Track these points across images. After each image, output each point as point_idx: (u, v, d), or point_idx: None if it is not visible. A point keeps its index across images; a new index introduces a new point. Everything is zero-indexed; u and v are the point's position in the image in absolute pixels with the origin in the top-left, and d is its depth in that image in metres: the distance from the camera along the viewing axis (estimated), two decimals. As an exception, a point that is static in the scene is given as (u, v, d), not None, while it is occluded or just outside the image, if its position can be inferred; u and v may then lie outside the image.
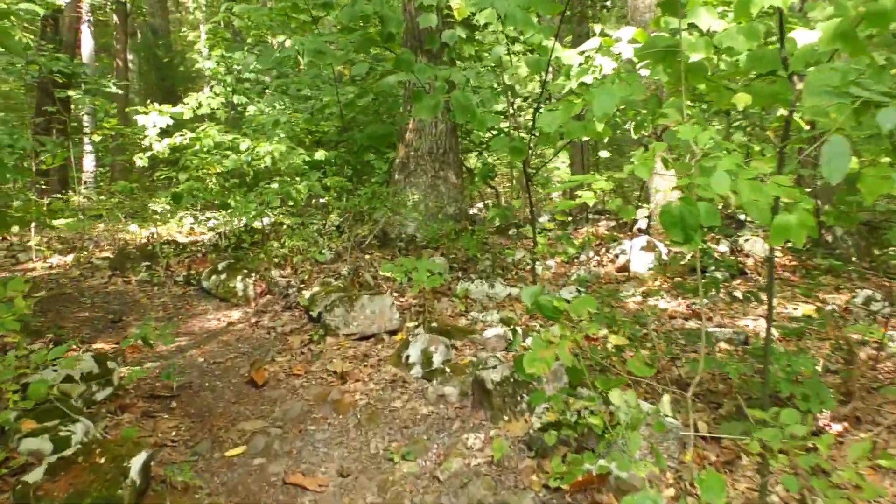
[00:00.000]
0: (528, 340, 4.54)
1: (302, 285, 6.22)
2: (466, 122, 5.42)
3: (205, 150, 8.08)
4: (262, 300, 6.11)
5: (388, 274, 5.68)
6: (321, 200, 9.93)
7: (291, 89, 11.73)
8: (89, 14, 25.01)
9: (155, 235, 8.54)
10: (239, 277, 6.20)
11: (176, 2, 36.93)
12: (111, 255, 7.68)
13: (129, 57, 27.24)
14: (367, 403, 4.12)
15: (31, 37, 18.28)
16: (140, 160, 9.52)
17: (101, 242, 8.94)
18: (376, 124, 6.59)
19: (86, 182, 23.54)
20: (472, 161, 12.59)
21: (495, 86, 8.94)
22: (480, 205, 13.43)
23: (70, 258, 7.95)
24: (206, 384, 4.50)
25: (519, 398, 3.79)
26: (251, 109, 13.25)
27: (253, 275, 6.29)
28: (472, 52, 10.07)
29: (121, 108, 17.91)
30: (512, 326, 4.94)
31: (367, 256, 7.62)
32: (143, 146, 9.58)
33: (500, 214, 8.98)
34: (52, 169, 12.85)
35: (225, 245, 7.75)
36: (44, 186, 12.92)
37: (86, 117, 25.33)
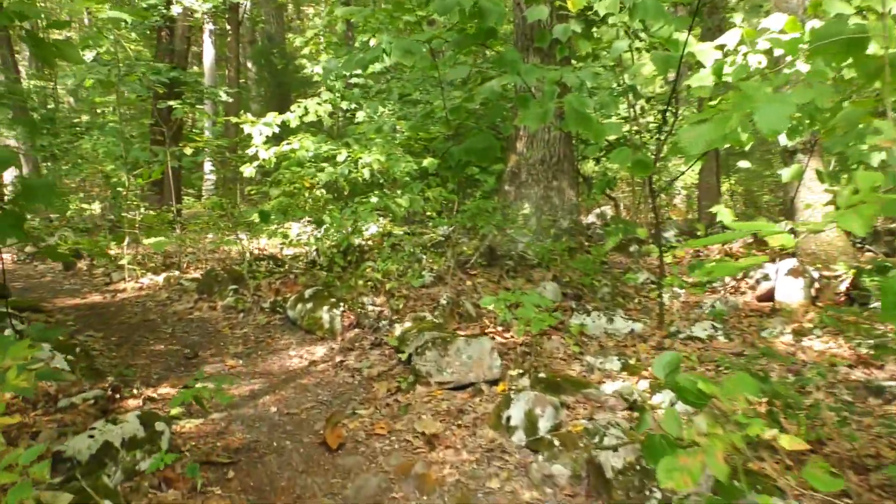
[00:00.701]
0: (659, 414, 3.67)
1: (395, 317, 5.53)
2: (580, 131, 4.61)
3: (299, 162, 7.56)
4: (349, 334, 5.45)
5: (491, 307, 4.91)
6: (425, 214, 9.29)
7: (397, 93, 11.14)
8: (211, 23, 25.50)
9: (247, 254, 8.09)
10: (326, 308, 5.58)
11: (297, 9, 37.50)
12: (201, 276, 7.26)
13: (249, 65, 27.67)
14: (458, 481, 3.36)
15: (133, 46, 18.62)
16: (248, 170, 9.17)
17: (201, 258, 8.60)
18: (478, 135, 5.87)
19: (205, 193, 24.00)
20: (590, 167, 11.66)
21: (615, 87, 8.03)
22: (597, 212, 12.47)
23: (162, 278, 7.60)
24: (274, 443, 3.85)
25: (648, 492, 2.94)
26: (360, 115, 12.79)
27: (341, 304, 5.65)
28: (588, 51, 9.19)
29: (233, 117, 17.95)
30: (639, 403, 4.05)
31: (469, 282, 6.88)
32: (249, 156, 9.23)
33: (620, 230, 8.06)
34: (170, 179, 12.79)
35: (319, 265, 7.20)
36: (146, 198, 12.92)
37: (207, 124, 25.82)
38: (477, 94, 9.56)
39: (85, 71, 12.63)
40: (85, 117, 22.71)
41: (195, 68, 32.46)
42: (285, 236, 7.10)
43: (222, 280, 6.82)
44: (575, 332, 5.28)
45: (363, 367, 4.83)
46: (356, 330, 5.46)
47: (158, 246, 7.07)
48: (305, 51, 14.11)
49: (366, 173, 7.99)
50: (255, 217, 6.92)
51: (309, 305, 5.65)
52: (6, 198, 9.97)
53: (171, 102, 11.21)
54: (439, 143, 10.17)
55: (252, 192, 8.61)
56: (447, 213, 8.33)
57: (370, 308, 5.72)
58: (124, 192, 9.86)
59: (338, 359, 5.05)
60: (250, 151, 9.24)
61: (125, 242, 8.00)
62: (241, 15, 21.85)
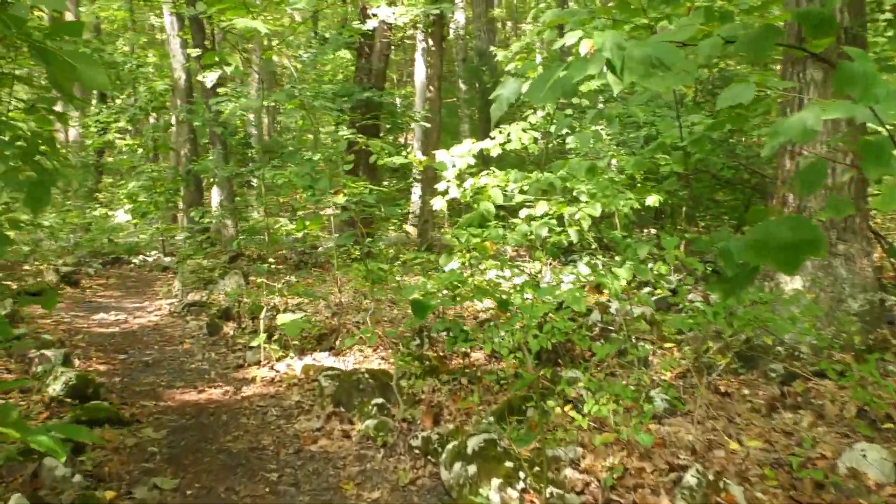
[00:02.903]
0: None
1: (611, 498, 3.31)
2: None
3: (481, 219, 5.55)
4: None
5: None
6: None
7: (616, 115, 8.94)
8: (423, 41, 24.40)
9: (399, 345, 6.15)
10: (496, 482, 3.44)
11: (515, 25, 36.10)
12: (345, 374, 5.40)
13: (461, 83, 26.37)
14: None
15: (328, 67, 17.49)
16: (438, 203, 7.39)
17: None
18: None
19: (409, 223, 22.84)
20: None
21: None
22: None
23: (301, 366, 5.86)
24: None
25: None
26: (571, 141, 10.68)
27: (521, 476, 3.49)
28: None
29: (431, 140, 16.42)
30: None
31: (718, 395, 4.52)
32: (440, 189, 7.46)
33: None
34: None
35: (499, 376, 5.12)
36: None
37: (416, 144, 24.69)
38: (729, 119, 7.16)
39: (287, 91, 11.54)
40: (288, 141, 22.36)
41: (408, 88, 31.90)
42: (462, 333, 5.04)
43: (366, 387, 4.92)
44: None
45: None
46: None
47: (292, 329, 5.32)
48: (510, 66, 12.13)
49: (572, 235, 5.82)
50: (408, 293, 4.95)
51: (471, 470, 3.55)
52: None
53: (352, 140, 9.59)
54: (668, 171, 7.83)
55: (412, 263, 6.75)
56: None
57: (572, 475, 3.53)
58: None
59: None
60: (440, 186, 7.47)
61: (262, 314, 6.38)
62: (450, 30, 20.47)
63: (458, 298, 4.88)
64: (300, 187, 11.41)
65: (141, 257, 15.60)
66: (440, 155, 7.90)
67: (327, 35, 18.47)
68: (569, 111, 13.17)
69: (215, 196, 15.88)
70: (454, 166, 7.68)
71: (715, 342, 5.72)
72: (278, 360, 6.08)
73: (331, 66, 26.22)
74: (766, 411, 4.68)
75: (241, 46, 20.17)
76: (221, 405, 5.19)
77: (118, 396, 5.26)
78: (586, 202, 6.11)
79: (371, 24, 13.17)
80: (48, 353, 5.48)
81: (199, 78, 9.79)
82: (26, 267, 11.57)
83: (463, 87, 26.30)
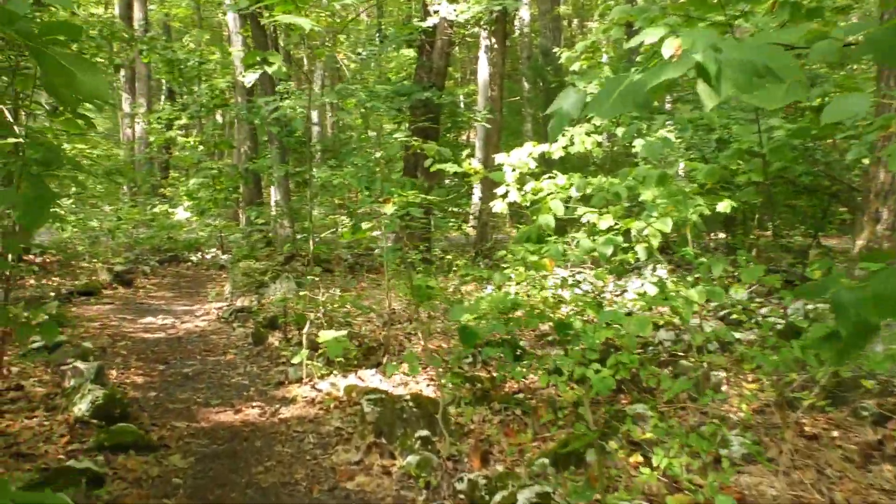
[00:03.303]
0: None
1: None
2: None
3: (538, 235, 5.09)
4: None
5: None
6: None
7: (687, 119, 8.36)
8: (486, 38, 23.93)
9: (441, 371, 5.72)
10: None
11: (580, 23, 35.37)
12: (389, 399, 5.01)
13: (524, 82, 25.87)
14: None
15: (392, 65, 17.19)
16: (498, 206, 6.99)
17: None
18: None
19: (470, 222, 22.41)
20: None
21: None
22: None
23: (344, 386, 5.49)
24: None
25: None
26: (639, 143, 10.13)
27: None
28: None
29: (493, 140, 15.97)
30: None
31: (804, 439, 3.99)
32: (500, 193, 7.04)
33: None
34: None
35: (556, 415, 4.65)
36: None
37: (478, 144, 24.29)
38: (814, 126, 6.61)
39: (339, 91, 11.26)
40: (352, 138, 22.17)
41: (471, 86, 31.46)
42: (515, 362, 4.58)
43: (410, 416, 4.51)
44: None
45: None
46: None
47: (334, 349, 4.95)
48: (575, 66, 11.57)
49: (640, 252, 5.31)
50: (456, 315, 4.51)
51: (521, 530, 3.11)
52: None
53: (403, 141, 9.30)
54: (745, 180, 7.22)
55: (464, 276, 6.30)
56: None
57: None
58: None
59: None
60: (499, 190, 7.05)
61: (305, 329, 6.03)
62: (514, 28, 19.93)
63: (511, 323, 4.43)
64: (357, 187, 11.13)
65: (199, 255, 15.55)
66: (500, 157, 7.50)
67: (387, 33, 18.20)
68: (635, 113, 12.56)
69: (274, 195, 15.74)
70: (514, 170, 7.27)
71: (798, 374, 5.16)
72: (321, 377, 5.72)
73: (395, 63, 26.00)
74: (861, 460, 4.12)
75: (306, 44, 20.04)
76: (257, 428, 4.85)
77: (149, 415, 4.97)
78: (656, 217, 5.59)
79: (432, 20, 12.77)
80: (81, 365, 5.23)
81: (239, 77, 9.55)
82: (83, 264, 11.54)
83: (526, 85, 25.77)
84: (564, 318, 4.75)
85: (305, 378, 5.70)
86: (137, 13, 22.32)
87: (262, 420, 5.01)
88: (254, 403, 5.36)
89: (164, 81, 24.16)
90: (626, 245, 5.52)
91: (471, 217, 23.75)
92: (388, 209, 5.60)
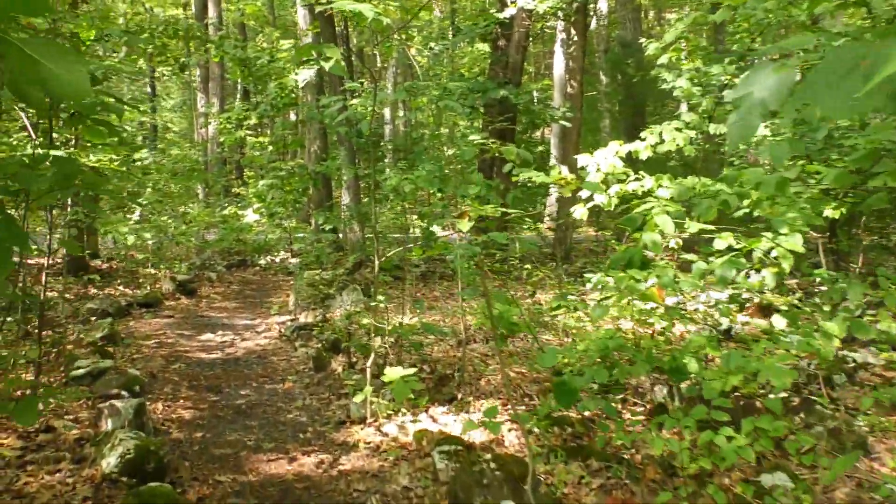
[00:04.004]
0: None
1: None
2: None
3: (641, 261, 4.26)
4: None
5: None
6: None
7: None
8: (563, 31, 22.97)
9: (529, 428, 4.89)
10: None
11: (657, 14, 33.99)
12: (466, 455, 4.24)
13: (601, 76, 24.82)
14: None
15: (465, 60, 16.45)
16: (579, 212, 6.22)
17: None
18: None
19: (545, 222, 21.48)
20: None
21: None
22: None
23: (413, 432, 4.75)
24: None
25: None
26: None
27: None
28: None
29: (571, 139, 15.05)
30: None
31: None
32: (583, 196, 6.27)
33: None
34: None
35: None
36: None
37: (553, 141, 23.38)
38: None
39: (407, 88, 10.57)
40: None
41: (545, 81, 30.46)
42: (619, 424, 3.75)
43: (491, 481, 3.74)
44: None
45: None
46: None
47: (400, 392, 4.22)
48: (663, 59, 10.57)
49: (768, 278, 4.44)
50: (548, 361, 3.72)
51: None
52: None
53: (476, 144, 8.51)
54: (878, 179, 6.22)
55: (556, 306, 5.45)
56: None
57: None
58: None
59: None
60: (583, 194, 6.27)
61: (369, 362, 5.29)
62: (593, 19, 18.92)
63: (616, 371, 3.61)
64: (429, 189, 10.38)
65: (268, 258, 15.11)
66: (582, 159, 6.72)
67: (462, 26, 17.42)
68: (728, 106, 11.56)
69: (345, 197, 15.18)
70: (598, 170, 6.47)
71: None
72: (388, 417, 5.01)
73: (467, 59, 25.24)
74: None
75: (377, 40, 19.47)
76: (311, 485, 4.15)
77: (191, 465, 4.33)
78: (784, 233, 4.68)
79: (509, 11, 11.94)
80: (119, 403, 4.63)
81: (293, 76, 8.94)
82: (149, 271, 11.14)
83: (604, 79, 24.70)
84: (677, 356, 3.90)
85: (370, 418, 5.00)
86: (211, 12, 22.16)
87: (318, 473, 4.32)
88: (310, 449, 4.67)
89: (239, 81, 23.98)
90: (750, 266, 4.65)
91: (546, 217, 22.87)
92: (464, 225, 4.84)
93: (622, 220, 5.00)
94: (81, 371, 5.65)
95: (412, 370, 4.34)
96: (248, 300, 10.50)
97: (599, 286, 4.42)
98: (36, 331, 6.79)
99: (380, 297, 5.86)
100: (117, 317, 8.56)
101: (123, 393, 5.35)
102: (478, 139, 7.74)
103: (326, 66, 3.85)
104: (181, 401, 5.57)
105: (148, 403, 5.33)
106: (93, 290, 10.27)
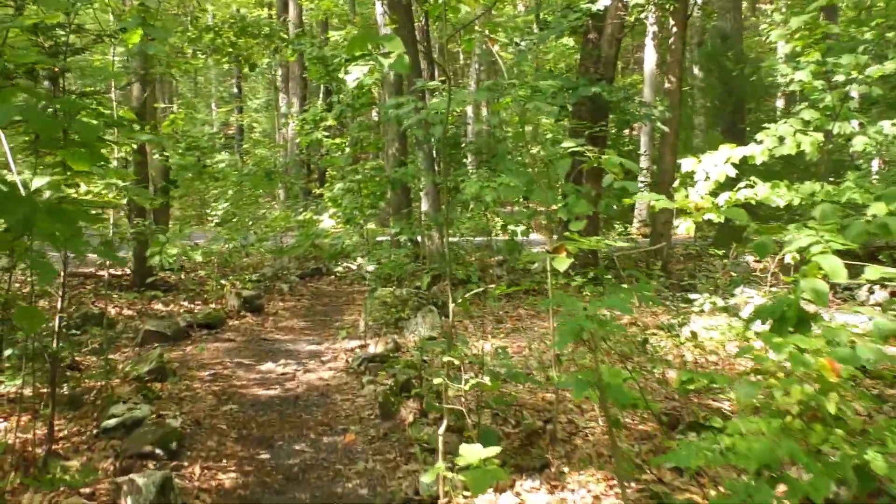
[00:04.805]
0: None
1: None
2: None
3: (795, 314, 3.18)
4: None
5: None
6: None
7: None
8: (654, 24, 21.55)
9: None
10: None
11: (752, 4, 32.06)
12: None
13: (695, 70, 23.29)
14: None
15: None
16: (683, 226, 5.21)
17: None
18: None
19: (635, 224, 20.08)
20: None
21: None
22: None
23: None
24: None
25: None
26: (857, 142, 8.05)
27: None
28: None
29: (669, 140, 13.78)
30: None
31: None
32: (690, 206, 5.27)
33: None
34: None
35: None
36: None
37: (643, 139, 21.97)
38: None
39: (489, 87, 9.61)
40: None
41: (634, 76, 28.97)
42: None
43: None
44: None
45: None
46: None
47: (479, 483, 3.27)
48: (783, 50, 9.29)
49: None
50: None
51: None
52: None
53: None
54: None
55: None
56: None
57: None
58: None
59: None
60: (691, 201, 5.25)
61: (441, 430, 4.34)
62: (694, 7, 17.48)
63: (787, 492, 2.55)
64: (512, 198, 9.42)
65: (344, 265, 14.38)
66: (687, 163, 5.65)
67: (549, 19, 16.29)
68: (853, 104, 10.33)
69: (424, 203, 14.31)
70: (707, 179, 5.40)
71: None
72: (465, 498, 4.06)
73: (552, 54, 24.08)
74: None
75: (461, 37, 18.56)
76: None
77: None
78: None
79: (602, 2, 10.83)
80: (139, 480, 3.82)
81: (341, 75, 8.08)
82: (212, 284, 10.51)
83: (698, 73, 23.10)
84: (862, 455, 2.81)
85: (442, 498, 4.05)
86: (291, 12, 21.74)
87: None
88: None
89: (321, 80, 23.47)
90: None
91: (635, 220, 21.49)
92: (562, 263, 3.84)
93: (753, 245, 3.94)
94: (114, 421, 4.92)
95: (493, 451, 3.38)
96: (318, 318, 9.73)
97: (743, 352, 3.35)
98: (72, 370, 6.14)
99: (457, 344, 4.91)
100: (175, 340, 7.91)
101: (157, 451, 4.58)
102: (571, 146, 6.72)
103: (385, 63, 2.93)
104: (224, 460, 4.75)
105: (184, 466, 4.54)
106: (157, 306, 9.70)
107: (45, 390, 4.86)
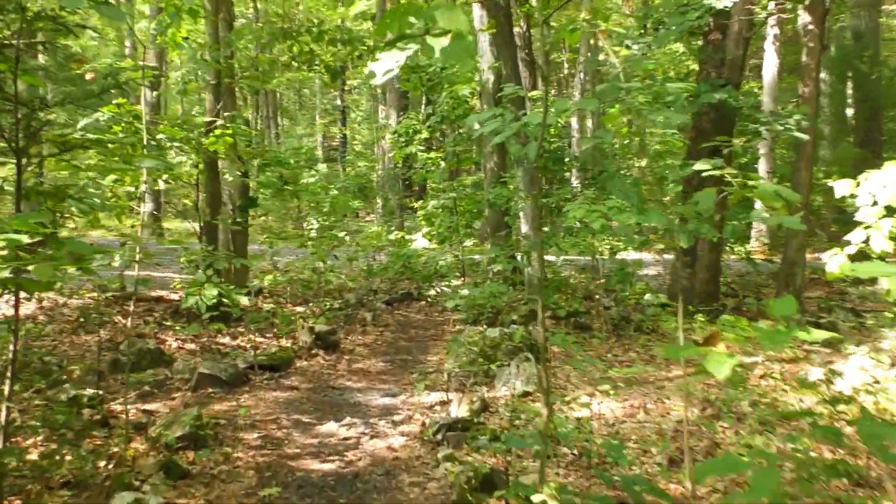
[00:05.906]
0: None
1: None
2: None
3: None
4: None
5: None
6: None
7: None
8: (775, 25, 19.55)
9: None
10: None
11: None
12: None
13: (822, 75, 21.02)
14: None
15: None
16: (834, 263, 3.91)
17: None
18: None
19: (753, 242, 18.11)
20: None
21: None
22: None
23: None
24: None
25: None
26: None
27: None
28: None
29: (806, 156, 11.96)
30: None
31: None
32: (857, 241, 4.04)
33: None
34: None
35: None
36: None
37: (761, 152, 19.76)
38: None
39: (599, 95, 8.30)
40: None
41: (751, 83, 26.73)
42: None
43: None
44: None
45: None
46: None
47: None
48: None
49: None
50: None
51: None
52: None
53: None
54: None
55: None
56: None
57: None
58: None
59: None
60: (853, 237, 3.98)
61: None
62: (828, 4, 15.54)
63: None
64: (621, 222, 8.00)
65: (439, 287, 13.20)
66: (841, 186, 4.26)
67: (663, 20, 14.70)
68: None
69: (523, 224, 12.97)
70: (874, 203, 4.04)
71: None
72: None
73: (665, 58, 22.31)
74: None
75: (567, 45, 17.28)
76: None
77: None
78: None
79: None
80: None
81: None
82: (285, 314, 9.52)
83: (824, 77, 20.86)
84: None
85: None
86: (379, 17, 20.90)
87: None
88: None
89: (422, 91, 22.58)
90: None
91: (754, 239, 19.38)
92: (716, 363, 2.50)
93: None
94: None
95: None
96: (399, 357, 8.58)
97: None
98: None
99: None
100: (231, 386, 6.91)
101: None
102: (706, 168, 5.32)
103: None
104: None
105: None
106: (225, 339, 8.80)
107: None
